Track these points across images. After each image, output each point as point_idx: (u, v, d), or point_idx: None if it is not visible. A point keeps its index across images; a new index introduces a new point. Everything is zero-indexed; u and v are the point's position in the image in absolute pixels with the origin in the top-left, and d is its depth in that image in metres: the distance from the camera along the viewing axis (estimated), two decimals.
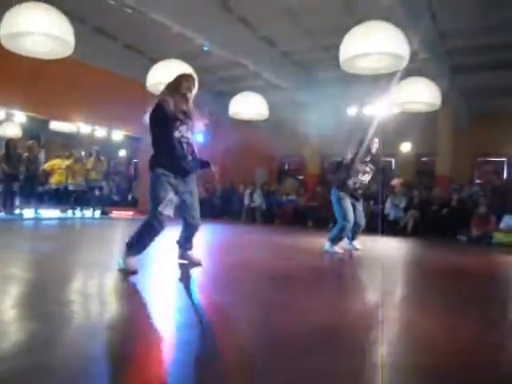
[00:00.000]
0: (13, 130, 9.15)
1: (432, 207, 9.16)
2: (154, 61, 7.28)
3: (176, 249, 3.56)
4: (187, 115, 3.20)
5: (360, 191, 5.00)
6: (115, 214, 10.46)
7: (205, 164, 3.38)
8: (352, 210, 4.85)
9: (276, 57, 9.73)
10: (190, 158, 3.23)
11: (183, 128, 3.15)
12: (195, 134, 3.33)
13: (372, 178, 5.10)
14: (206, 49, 8.12)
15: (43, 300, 2.30)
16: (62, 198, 9.87)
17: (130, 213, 10.66)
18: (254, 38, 8.77)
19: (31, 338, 1.67)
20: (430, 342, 1.84)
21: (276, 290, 2.86)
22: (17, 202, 8.64)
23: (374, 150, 4.97)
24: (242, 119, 8.95)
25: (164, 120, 3.08)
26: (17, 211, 8.48)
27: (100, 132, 10.71)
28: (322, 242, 5.09)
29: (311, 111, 11.60)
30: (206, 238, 6.15)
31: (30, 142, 9.05)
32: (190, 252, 3.57)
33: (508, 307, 2.96)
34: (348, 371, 1.50)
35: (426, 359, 1.63)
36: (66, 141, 10.69)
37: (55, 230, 7.24)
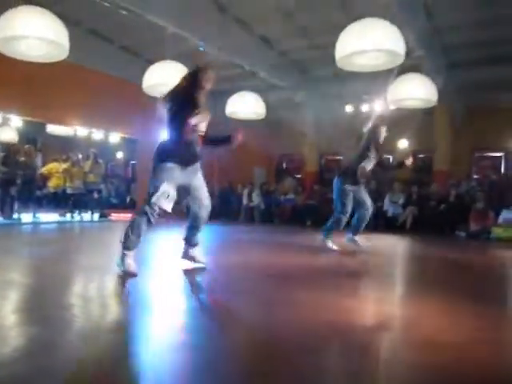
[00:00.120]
0: (9, 135, 9.10)
1: (430, 203, 9.17)
2: (150, 62, 7.25)
3: (179, 249, 3.52)
4: (203, 108, 3.18)
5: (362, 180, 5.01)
6: (114, 216, 10.44)
7: (230, 138, 3.38)
8: (351, 205, 4.89)
9: (272, 56, 9.72)
10: (198, 148, 3.22)
11: (199, 118, 3.15)
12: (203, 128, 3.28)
13: (373, 170, 5.11)
14: (201, 49, 8.11)
15: (43, 304, 2.30)
16: (60, 201, 9.84)
17: (129, 215, 10.62)
18: (250, 38, 8.76)
19: (32, 343, 1.67)
20: (431, 340, 1.83)
21: (277, 289, 2.86)
22: (15, 206, 8.62)
23: (381, 139, 5.02)
24: (239, 119, 8.94)
25: (190, 98, 3.06)
26: (15, 216, 8.46)
27: (97, 134, 10.68)
28: (321, 239, 5.12)
29: (308, 110, 11.59)
30: (205, 238, 6.14)
31: (27, 146, 9.02)
32: (194, 250, 3.48)
33: (510, 303, 2.97)
34: (348, 370, 1.50)
35: (428, 356, 1.63)
36: (63, 144, 10.65)
37: (54, 234, 7.22)
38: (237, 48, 8.53)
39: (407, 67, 6.42)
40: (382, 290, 2.99)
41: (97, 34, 9.00)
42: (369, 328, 1.97)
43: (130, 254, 3.07)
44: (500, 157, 11.68)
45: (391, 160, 10.55)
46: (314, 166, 12.83)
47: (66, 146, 10.55)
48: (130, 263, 3.04)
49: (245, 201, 11.54)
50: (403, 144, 11.66)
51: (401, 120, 9.30)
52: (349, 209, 4.91)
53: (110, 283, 2.92)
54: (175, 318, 2.15)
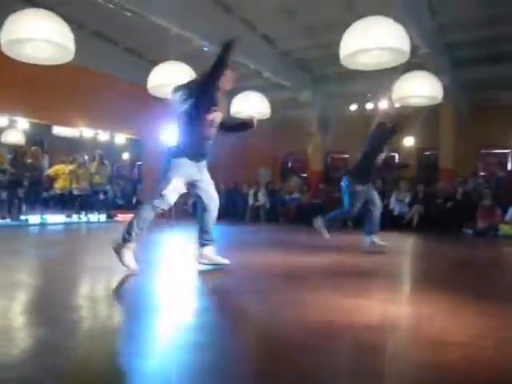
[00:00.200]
0: (16, 137, 9.17)
1: (437, 201, 9.12)
2: (155, 63, 7.28)
3: (190, 250, 3.49)
4: (221, 105, 3.22)
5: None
6: (120, 217, 10.48)
7: (247, 124, 3.46)
8: (360, 205, 4.90)
9: (276, 55, 9.72)
10: (211, 144, 3.25)
11: (216, 115, 3.15)
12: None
13: (380, 168, 5.10)
14: (206, 49, 8.12)
15: (51, 305, 2.31)
16: (66, 202, 9.90)
17: None
18: (254, 38, 8.76)
19: (40, 344, 1.68)
20: (437, 339, 1.83)
21: (283, 288, 2.85)
22: (23, 208, 8.69)
23: (391, 137, 5.08)
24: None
25: (210, 94, 3.09)
26: (22, 217, 8.52)
27: (103, 136, 10.73)
28: (328, 238, 5.12)
29: (313, 109, 11.57)
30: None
31: (34, 148, 9.09)
32: (210, 249, 3.37)
33: None
34: (350, 370, 1.50)
35: (435, 355, 1.62)
36: (70, 146, 10.70)
37: (61, 235, 7.27)
38: (241, 48, 8.52)
39: (412, 65, 6.39)
40: (389, 289, 2.98)
41: (101, 35, 9.04)
42: (374, 327, 1.96)
43: (131, 247, 3.08)
44: (506, 153, 11.60)
45: (396, 159, 10.52)
46: (319, 165, 12.81)
47: (72, 147, 10.60)
48: (130, 257, 3.05)
49: (251, 201, 11.54)
50: (409, 142, 11.60)
51: (406, 118, 9.27)
52: (357, 208, 4.91)
53: (118, 284, 2.93)
54: (182, 318, 2.15)
